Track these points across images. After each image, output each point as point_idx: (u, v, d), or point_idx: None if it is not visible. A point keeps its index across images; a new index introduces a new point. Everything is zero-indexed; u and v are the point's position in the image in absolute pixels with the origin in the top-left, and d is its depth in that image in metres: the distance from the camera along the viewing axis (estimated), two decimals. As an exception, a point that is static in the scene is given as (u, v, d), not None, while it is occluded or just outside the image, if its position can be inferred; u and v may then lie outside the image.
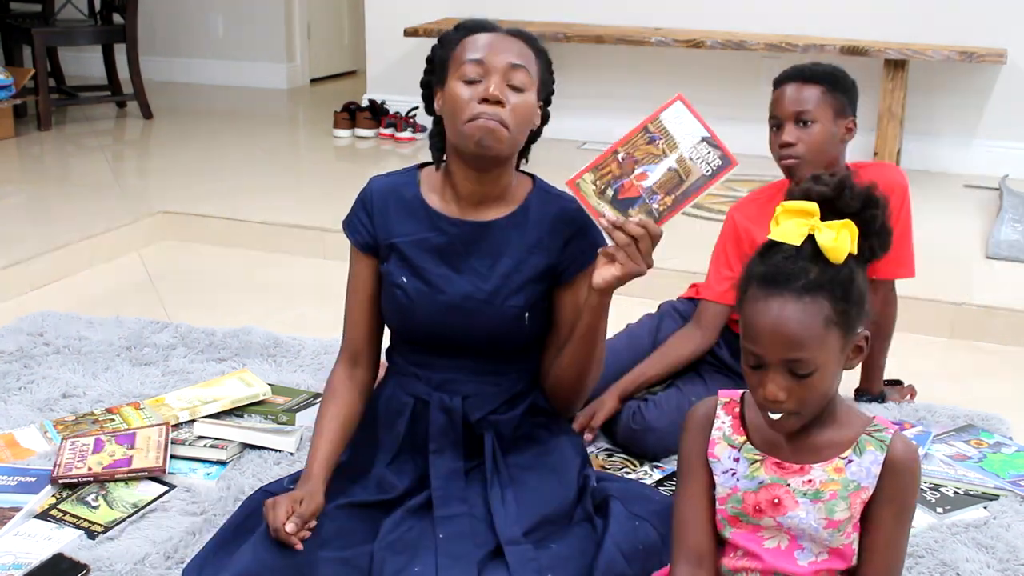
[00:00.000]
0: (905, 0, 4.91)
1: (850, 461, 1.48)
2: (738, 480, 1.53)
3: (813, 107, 2.36)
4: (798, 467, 1.50)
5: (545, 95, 1.86)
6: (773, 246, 1.46)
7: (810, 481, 1.49)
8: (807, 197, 1.47)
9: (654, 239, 1.71)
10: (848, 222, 1.45)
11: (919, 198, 4.54)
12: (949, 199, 4.55)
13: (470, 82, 1.75)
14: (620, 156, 1.74)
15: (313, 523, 1.74)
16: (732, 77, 5.17)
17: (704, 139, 1.74)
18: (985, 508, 2.19)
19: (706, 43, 4.84)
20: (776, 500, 1.50)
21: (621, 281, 1.73)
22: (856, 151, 5.08)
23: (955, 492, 2.24)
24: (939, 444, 2.43)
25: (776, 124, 2.41)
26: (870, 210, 1.47)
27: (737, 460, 1.53)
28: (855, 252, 1.46)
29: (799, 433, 1.50)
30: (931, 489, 2.24)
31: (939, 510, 2.16)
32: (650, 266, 1.72)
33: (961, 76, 4.89)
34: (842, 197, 1.47)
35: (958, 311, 3.20)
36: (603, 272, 1.73)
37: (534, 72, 1.80)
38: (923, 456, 2.34)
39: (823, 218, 1.46)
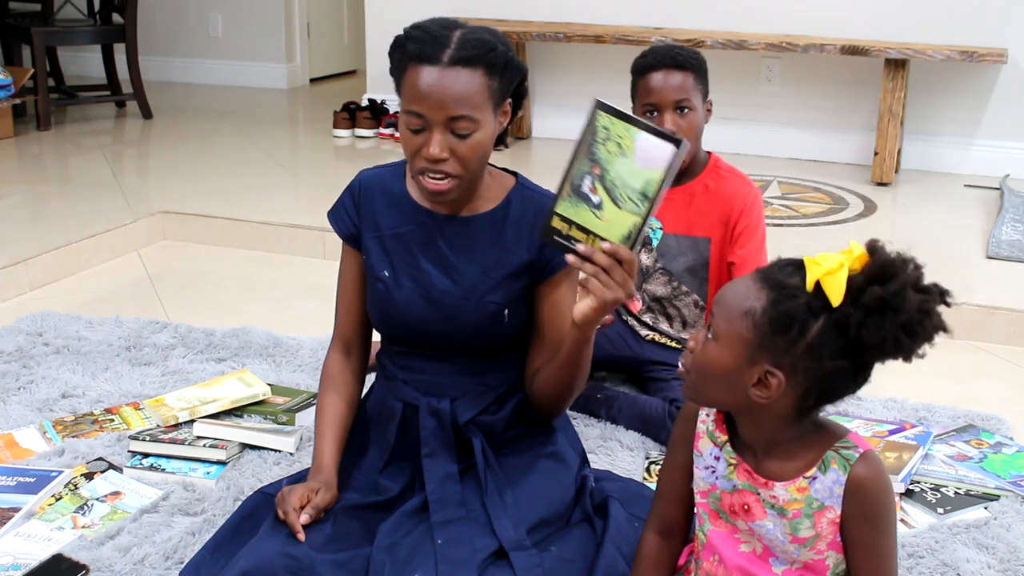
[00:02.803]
0: (905, 0, 4.91)
1: (814, 479, 1.44)
2: (717, 479, 1.52)
3: (690, 95, 2.40)
4: (764, 481, 1.48)
5: (509, 94, 1.78)
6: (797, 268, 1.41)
7: (775, 497, 1.47)
8: (873, 252, 1.37)
9: (627, 265, 1.61)
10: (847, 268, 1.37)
11: (919, 198, 4.57)
12: (949, 199, 4.55)
13: (415, 131, 1.71)
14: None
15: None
16: (732, 77, 5.17)
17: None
18: (986, 508, 2.19)
19: (706, 43, 4.83)
20: (746, 507, 1.49)
21: (600, 313, 1.66)
22: (856, 151, 5.11)
23: (956, 492, 2.24)
24: (939, 444, 2.43)
25: (652, 110, 2.40)
26: (886, 318, 1.34)
27: (718, 459, 1.53)
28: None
29: (769, 448, 1.48)
30: (932, 489, 2.24)
31: (940, 510, 2.16)
32: (629, 293, 1.63)
33: (961, 76, 4.89)
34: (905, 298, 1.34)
35: (958, 311, 3.18)
36: (580, 305, 1.67)
37: (483, 103, 1.71)
38: (923, 456, 2.34)
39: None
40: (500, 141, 1.85)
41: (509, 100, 1.79)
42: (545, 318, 1.87)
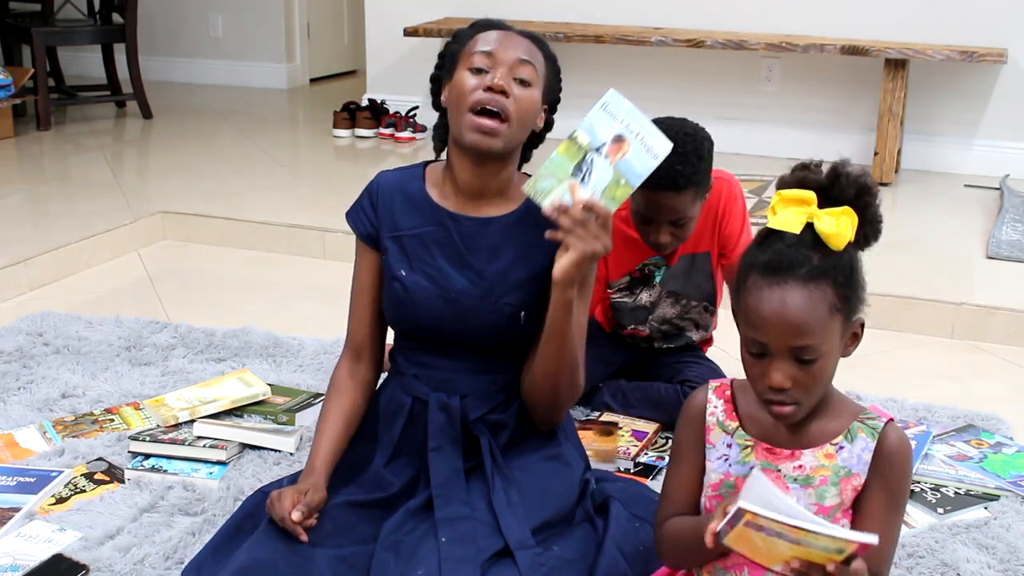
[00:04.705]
0: (905, 0, 4.91)
1: (841, 447, 1.48)
2: (730, 465, 1.54)
3: (688, 211, 2.28)
4: (788, 452, 1.50)
5: (551, 100, 1.89)
6: (771, 234, 1.46)
7: (800, 467, 1.49)
8: (802, 185, 1.46)
9: (601, 219, 1.68)
10: (847, 209, 1.44)
11: (919, 198, 4.58)
12: (949, 199, 4.55)
13: (478, 71, 1.78)
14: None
15: (312, 521, 1.73)
16: (732, 77, 5.17)
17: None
18: (986, 508, 2.19)
19: (706, 43, 4.83)
20: None
21: (580, 267, 1.69)
22: (856, 151, 5.10)
23: (956, 492, 2.24)
24: (939, 444, 2.43)
25: (646, 221, 2.30)
26: (864, 198, 1.46)
27: (730, 446, 1.54)
28: (853, 239, 1.45)
29: (810, 414, 1.50)
30: (932, 489, 2.24)
31: (940, 510, 2.16)
32: (606, 247, 1.68)
33: (961, 76, 4.89)
34: (837, 185, 1.46)
35: (958, 311, 3.20)
36: (560, 262, 1.70)
37: (541, 71, 1.83)
38: (923, 456, 2.34)
39: (819, 206, 1.45)
40: (532, 146, 1.93)
41: (546, 107, 1.88)
42: None
